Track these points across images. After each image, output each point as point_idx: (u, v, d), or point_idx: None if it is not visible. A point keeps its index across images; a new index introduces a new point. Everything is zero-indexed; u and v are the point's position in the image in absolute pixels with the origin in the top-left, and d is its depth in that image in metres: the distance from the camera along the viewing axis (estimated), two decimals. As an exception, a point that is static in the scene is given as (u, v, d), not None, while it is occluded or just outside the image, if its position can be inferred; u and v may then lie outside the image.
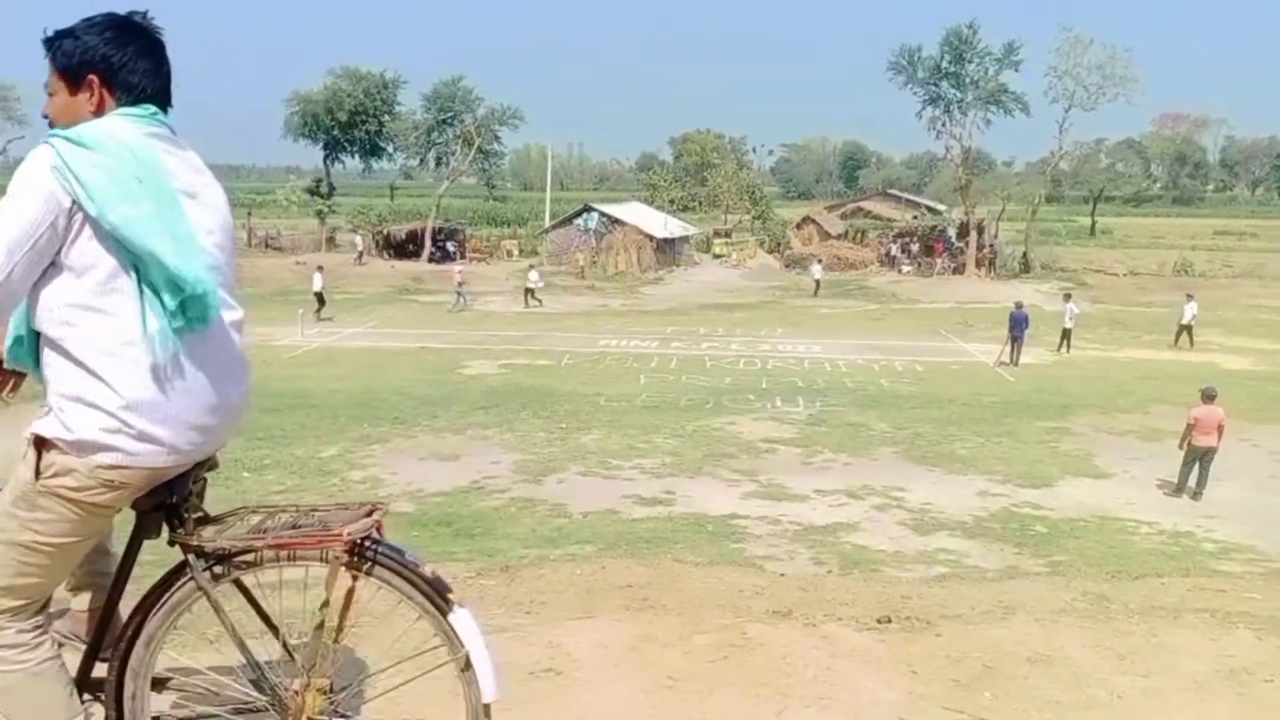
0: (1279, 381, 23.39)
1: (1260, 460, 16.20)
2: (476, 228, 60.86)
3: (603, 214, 50.04)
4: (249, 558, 2.22)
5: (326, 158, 57.82)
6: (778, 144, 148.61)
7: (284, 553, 2.20)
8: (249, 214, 51.73)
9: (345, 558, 2.20)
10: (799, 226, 59.72)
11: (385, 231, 52.35)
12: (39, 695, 2.22)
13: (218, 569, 2.25)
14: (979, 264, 47.26)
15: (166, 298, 2.06)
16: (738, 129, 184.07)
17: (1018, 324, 25.21)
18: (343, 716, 2.38)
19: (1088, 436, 17.79)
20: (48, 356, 2.11)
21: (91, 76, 2.16)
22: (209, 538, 2.24)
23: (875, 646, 4.11)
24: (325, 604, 2.19)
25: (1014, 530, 12.53)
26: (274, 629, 2.42)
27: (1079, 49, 45.74)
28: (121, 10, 2.22)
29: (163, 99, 2.24)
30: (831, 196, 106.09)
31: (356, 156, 59.43)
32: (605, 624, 4.24)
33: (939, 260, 49.28)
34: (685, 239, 52.77)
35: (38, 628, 2.22)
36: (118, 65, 2.17)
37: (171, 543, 2.27)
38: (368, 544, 2.22)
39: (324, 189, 55.44)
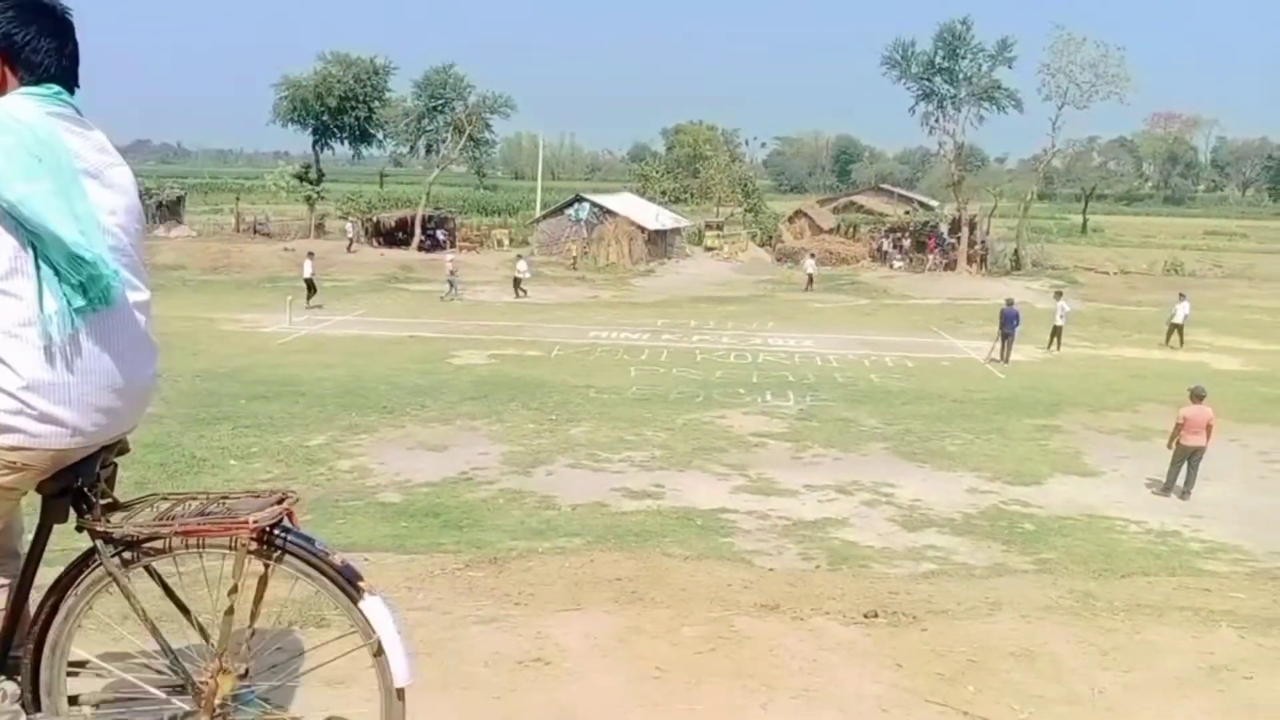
0: (1268, 382, 23.55)
1: (1248, 460, 16.31)
2: (467, 216, 60.38)
3: (594, 204, 49.88)
4: (157, 544, 2.22)
5: (316, 143, 57.34)
6: (771, 137, 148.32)
7: (191, 540, 2.20)
8: (237, 199, 51.27)
9: (252, 545, 2.20)
10: (791, 220, 59.65)
11: (375, 219, 52.07)
12: None
13: (127, 555, 2.25)
14: (970, 260, 47.38)
15: (67, 277, 2.03)
16: (731, 121, 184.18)
17: (1008, 321, 25.29)
18: (263, 700, 2.40)
19: (1077, 434, 17.88)
20: None
21: None
22: (116, 524, 2.24)
23: (861, 640, 4.12)
24: (234, 590, 2.20)
25: (1002, 527, 12.60)
26: (188, 614, 2.43)
27: (1072, 47, 45.84)
28: None
29: (68, 79, 2.21)
30: (824, 190, 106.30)
31: (346, 143, 58.95)
32: (594, 616, 4.24)
33: (930, 256, 49.33)
34: (677, 231, 52.63)
35: None
36: (20, 44, 2.14)
37: (79, 528, 2.26)
38: (276, 532, 2.23)
39: (313, 175, 55.03)
